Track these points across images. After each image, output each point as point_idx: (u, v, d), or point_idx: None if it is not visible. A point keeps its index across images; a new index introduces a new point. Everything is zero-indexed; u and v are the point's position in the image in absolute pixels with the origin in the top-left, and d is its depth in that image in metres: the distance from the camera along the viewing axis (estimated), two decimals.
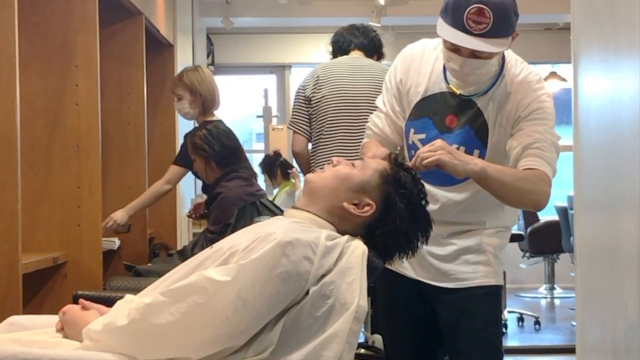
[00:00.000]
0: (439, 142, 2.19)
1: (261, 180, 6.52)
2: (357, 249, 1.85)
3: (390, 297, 2.56)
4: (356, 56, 4.01)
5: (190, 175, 4.41)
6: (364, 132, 2.61)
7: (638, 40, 2.68)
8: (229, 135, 3.85)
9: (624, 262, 2.85)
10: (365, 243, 1.89)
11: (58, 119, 3.65)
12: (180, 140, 4.61)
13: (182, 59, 6.12)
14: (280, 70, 9.10)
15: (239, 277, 1.70)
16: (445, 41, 2.29)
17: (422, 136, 2.40)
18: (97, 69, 3.68)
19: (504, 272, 2.78)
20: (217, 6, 7.82)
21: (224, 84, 9.19)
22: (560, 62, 8.79)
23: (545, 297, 8.16)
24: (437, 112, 2.40)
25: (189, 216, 4.69)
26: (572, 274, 4.85)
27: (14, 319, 2.04)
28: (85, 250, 3.66)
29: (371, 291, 1.97)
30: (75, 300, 2.80)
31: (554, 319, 7.51)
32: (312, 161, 3.91)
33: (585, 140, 3.33)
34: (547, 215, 7.65)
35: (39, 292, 3.63)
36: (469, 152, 2.34)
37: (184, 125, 5.53)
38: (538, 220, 7.92)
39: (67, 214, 3.64)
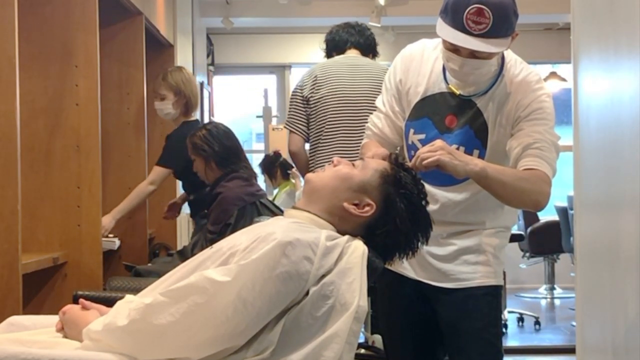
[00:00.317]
0: (439, 143, 2.19)
1: (261, 180, 6.53)
2: (357, 249, 1.85)
3: (390, 298, 2.56)
4: (353, 55, 4.00)
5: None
6: (364, 132, 2.61)
7: (638, 40, 2.69)
8: (229, 135, 3.85)
9: (624, 262, 2.85)
10: (366, 243, 1.89)
11: (58, 119, 3.64)
12: None
13: (182, 59, 6.12)
14: (280, 70, 9.10)
15: (239, 278, 1.70)
16: (444, 41, 2.29)
17: (422, 136, 2.40)
18: (97, 69, 3.67)
19: (504, 272, 2.78)
20: (217, 6, 7.82)
21: (224, 84, 9.25)
22: (560, 62, 8.79)
23: (545, 297, 8.15)
24: (437, 112, 2.40)
25: (165, 218, 4.71)
26: (572, 274, 4.85)
27: (14, 319, 2.04)
28: (85, 250, 3.65)
29: (371, 291, 1.97)
30: (75, 300, 2.80)
31: (554, 319, 7.51)
32: (311, 161, 3.91)
33: (585, 140, 3.33)
34: (547, 215, 7.65)
35: (39, 292, 3.63)
36: (469, 152, 2.34)
37: None
38: (538, 220, 7.92)
39: (67, 214, 3.64)
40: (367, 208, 1.93)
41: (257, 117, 8.28)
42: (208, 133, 3.79)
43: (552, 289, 8.19)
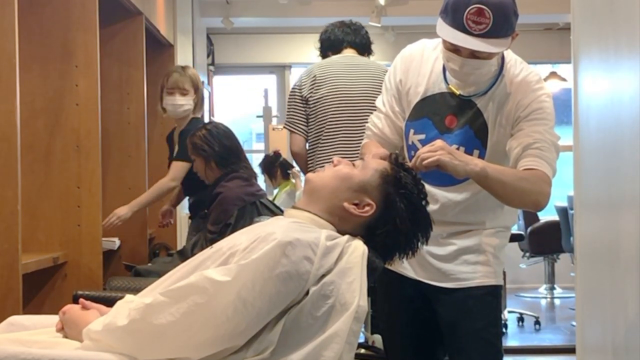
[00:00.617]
0: (439, 143, 2.19)
1: (261, 180, 6.53)
2: (357, 249, 1.85)
3: (391, 298, 2.56)
4: (351, 55, 4.00)
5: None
6: (364, 132, 2.60)
7: (638, 40, 2.69)
8: (229, 135, 3.84)
9: (624, 262, 2.85)
10: (366, 243, 1.89)
11: (58, 119, 3.65)
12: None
13: (182, 59, 6.12)
14: (280, 70, 9.10)
15: (239, 277, 1.70)
16: (444, 41, 2.29)
17: (422, 136, 2.40)
18: (97, 69, 3.68)
19: (504, 272, 2.78)
20: (217, 6, 7.82)
21: (224, 84, 9.25)
22: (560, 62, 8.79)
23: (545, 297, 8.15)
24: (437, 112, 2.39)
25: (161, 226, 4.70)
26: (572, 274, 4.85)
27: (14, 319, 2.04)
28: (85, 250, 3.66)
29: (371, 291, 1.97)
30: (75, 300, 2.80)
31: (554, 319, 7.51)
32: (310, 161, 3.90)
33: (585, 140, 3.33)
34: (547, 215, 7.65)
35: (39, 292, 3.63)
36: (469, 152, 2.34)
37: None
38: (538, 220, 7.92)
39: (67, 214, 3.64)
40: (367, 208, 1.93)
41: (257, 117, 8.28)
42: (208, 133, 3.78)
43: (552, 288, 8.19)
